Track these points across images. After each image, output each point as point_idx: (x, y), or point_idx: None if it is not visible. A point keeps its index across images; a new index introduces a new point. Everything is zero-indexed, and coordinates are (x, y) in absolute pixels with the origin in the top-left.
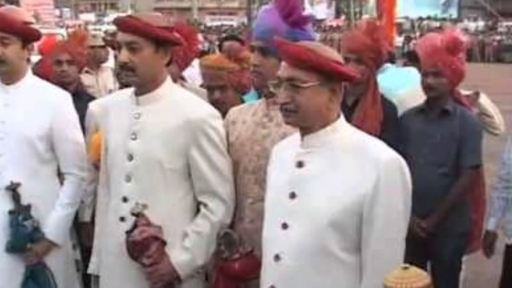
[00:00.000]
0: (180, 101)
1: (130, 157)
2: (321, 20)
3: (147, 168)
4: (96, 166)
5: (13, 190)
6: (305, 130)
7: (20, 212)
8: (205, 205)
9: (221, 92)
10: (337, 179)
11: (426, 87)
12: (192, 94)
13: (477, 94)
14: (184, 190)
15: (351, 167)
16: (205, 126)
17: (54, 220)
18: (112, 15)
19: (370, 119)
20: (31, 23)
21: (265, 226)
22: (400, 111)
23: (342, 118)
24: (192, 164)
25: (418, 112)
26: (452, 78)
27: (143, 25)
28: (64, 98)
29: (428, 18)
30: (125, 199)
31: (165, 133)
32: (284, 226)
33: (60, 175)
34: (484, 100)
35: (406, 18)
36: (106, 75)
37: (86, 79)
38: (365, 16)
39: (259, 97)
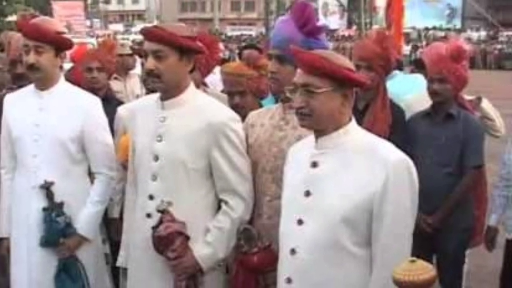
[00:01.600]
0: (202, 105)
1: (156, 158)
2: (334, 30)
3: (172, 168)
4: (124, 166)
5: (47, 188)
6: (319, 133)
7: (54, 209)
8: (226, 203)
9: (241, 97)
10: (349, 178)
11: (432, 93)
12: (213, 99)
13: (479, 99)
14: (206, 188)
15: (362, 167)
16: (226, 129)
17: (85, 217)
18: (139, 26)
19: (380, 122)
20: (64, 33)
21: (281, 222)
22: (408, 115)
23: (353, 121)
24: (213, 164)
25: (425, 115)
26: (456, 84)
27: (168, 34)
28: (95, 103)
29: (434, 28)
30: (151, 197)
31: (188, 135)
32: (300, 222)
33: (91, 175)
34: (486, 104)
35: (413, 28)
36: (134, 81)
37: (115, 85)
38: (375, 27)
39: (276, 101)
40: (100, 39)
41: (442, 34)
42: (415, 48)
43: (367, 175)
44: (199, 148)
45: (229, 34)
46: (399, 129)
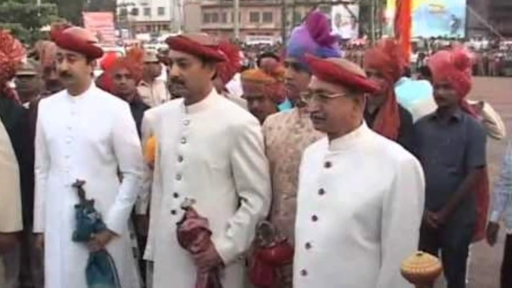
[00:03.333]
0: (223, 109)
1: (180, 158)
2: (346, 40)
3: (195, 168)
4: (151, 166)
5: (78, 187)
6: (332, 135)
7: (85, 206)
8: (245, 200)
9: (259, 102)
10: (360, 177)
11: (437, 98)
12: (234, 104)
13: (481, 103)
14: (227, 187)
15: (372, 167)
16: (246, 132)
17: (114, 213)
18: (164, 35)
19: (389, 125)
20: (94, 42)
21: (297, 218)
22: (415, 119)
23: (364, 124)
24: (234, 164)
25: (431, 119)
26: (460, 90)
27: (192, 43)
28: (123, 107)
29: (439, 37)
30: (176, 195)
31: (210, 137)
32: (314, 218)
33: (120, 174)
34: (487, 109)
35: (420, 37)
36: (160, 87)
37: (142, 90)
38: (385, 36)
39: (292, 106)
40: (128, 48)
41: (446, 43)
42: (421, 56)
43: (377, 174)
44: (221, 149)
45: (248, 43)
46: (407, 132)
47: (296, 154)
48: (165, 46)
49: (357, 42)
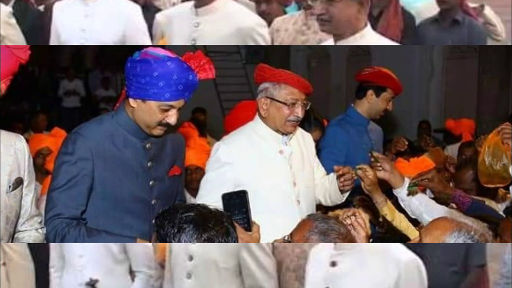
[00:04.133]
0: (232, 12)
1: (191, 258)
2: None
3: (205, 267)
4: (162, 265)
5: (92, 285)
6: (338, 37)
7: None
8: None
9: (267, 5)
10: (364, 276)
11: (439, 1)
12: (242, 7)
13: (482, 6)
14: (235, 285)
15: (377, 266)
16: (254, 33)
17: None
18: None
19: (392, 28)
20: None
21: None
22: (417, 21)
23: (369, 26)
24: (242, 263)
25: (433, 21)
26: None
27: None
28: (135, 10)
29: None
30: None
31: (220, 39)
32: None
33: (132, 273)
34: (488, 11)
35: None
36: None
37: None
38: None
39: (299, 9)
40: None
41: None
42: None
43: (381, 273)
44: (230, 248)
45: None
46: (410, 34)
47: (303, 253)
48: None
49: None
